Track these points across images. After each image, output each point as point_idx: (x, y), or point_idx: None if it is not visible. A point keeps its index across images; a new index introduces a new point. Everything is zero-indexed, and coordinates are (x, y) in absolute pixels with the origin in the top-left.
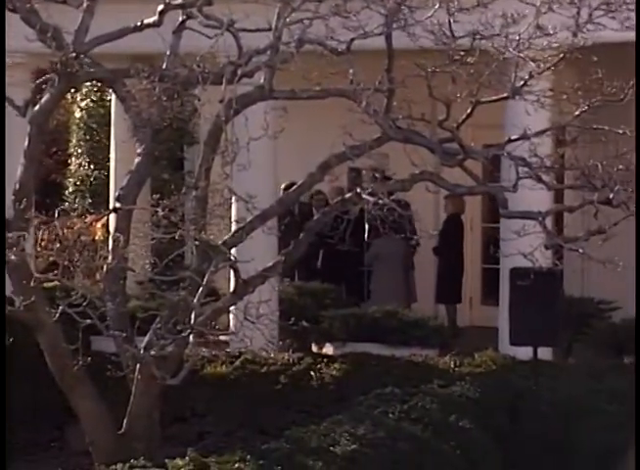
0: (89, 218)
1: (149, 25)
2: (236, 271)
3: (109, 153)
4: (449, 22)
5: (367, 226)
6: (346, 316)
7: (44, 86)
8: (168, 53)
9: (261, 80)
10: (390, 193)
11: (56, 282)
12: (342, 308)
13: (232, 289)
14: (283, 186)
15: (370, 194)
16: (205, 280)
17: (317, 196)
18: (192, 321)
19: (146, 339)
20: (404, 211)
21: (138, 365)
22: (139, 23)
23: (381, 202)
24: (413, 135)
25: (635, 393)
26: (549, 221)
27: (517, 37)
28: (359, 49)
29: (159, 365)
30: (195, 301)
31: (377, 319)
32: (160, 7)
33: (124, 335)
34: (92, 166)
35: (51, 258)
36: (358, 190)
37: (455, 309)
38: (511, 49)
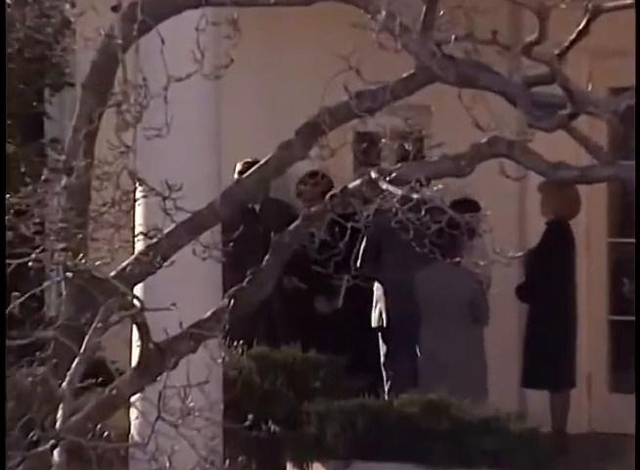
0: None
1: None
2: (142, 328)
3: None
4: None
5: (389, 243)
6: (352, 412)
7: None
8: None
9: None
10: (429, 180)
11: None
12: (343, 397)
13: (135, 362)
14: (238, 167)
15: (394, 181)
16: (83, 345)
17: (310, 181)
18: (58, 423)
19: None
20: (464, 213)
21: None
22: None
23: (416, 197)
24: (476, 71)
25: (635, 393)
26: None
27: None
28: None
29: None
30: (64, 385)
31: (410, 418)
32: None
33: None
34: None
35: None
36: (373, 174)
37: (563, 401)
38: None
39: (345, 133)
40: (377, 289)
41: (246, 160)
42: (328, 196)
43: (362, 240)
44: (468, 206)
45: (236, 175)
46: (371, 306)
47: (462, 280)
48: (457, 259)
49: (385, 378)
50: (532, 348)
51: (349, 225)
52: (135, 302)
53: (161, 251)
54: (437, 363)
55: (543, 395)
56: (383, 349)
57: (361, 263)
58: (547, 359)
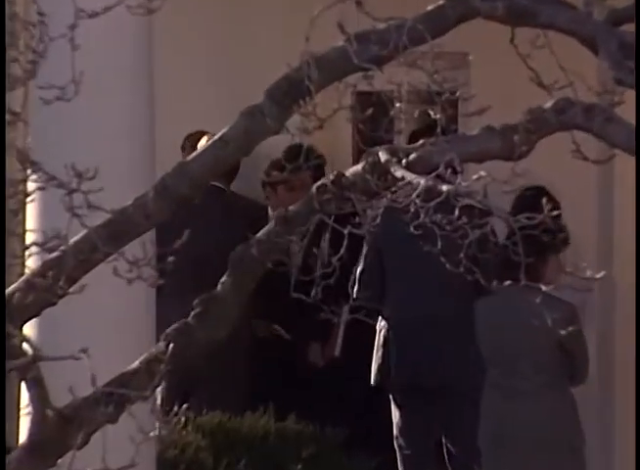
0: None
1: None
2: (36, 387)
3: None
4: None
5: (407, 257)
6: None
7: None
8: None
9: None
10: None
11: None
12: None
13: (26, 437)
14: (182, 144)
15: (413, 166)
16: None
17: (288, 164)
18: None
19: None
20: (539, 209)
21: None
22: None
23: (446, 189)
24: (536, 2)
25: (635, 393)
26: None
27: None
28: None
29: None
30: None
31: None
32: None
33: None
34: None
35: None
36: (381, 155)
37: None
38: None
39: (341, 94)
40: (390, 326)
41: (192, 132)
42: (315, 187)
43: (366, 253)
44: (545, 199)
45: (184, 154)
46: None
47: (547, 313)
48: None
49: (399, 460)
50: None
51: (347, 232)
52: (25, 347)
53: (66, 270)
54: (508, 443)
55: None
56: (395, 416)
57: (365, 288)
58: None
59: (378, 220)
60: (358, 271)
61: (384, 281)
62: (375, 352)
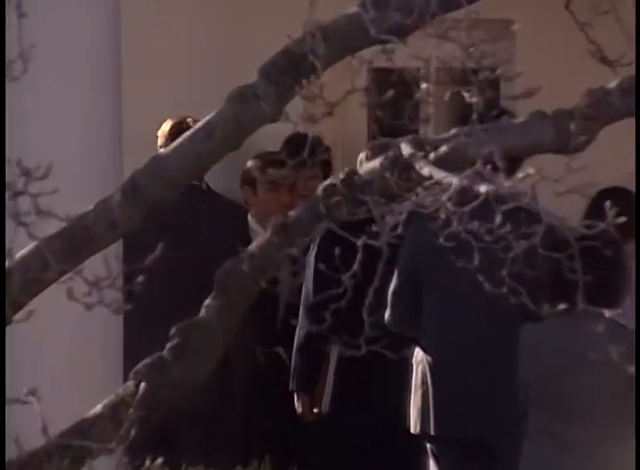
0: None
1: None
2: None
3: None
4: None
5: (437, 276)
6: None
7: None
8: None
9: None
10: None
11: None
12: None
13: None
14: (160, 134)
15: (444, 161)
16: None
17: (288, 159)
18: None
19: None
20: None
21: None
22: None
23: (484, 190)
24: None
25: (635, 393)
26: None
27: None
28: None
29: None
30: None
31: None
32: None
33: None
34: None
35: None
36: (404, 147)
37: None
38: None
39: (354, 73)
40: (418, 362)
41: (172, 120)
42: (321, 188)
43: (400, 269)
44: (623, 201)
45: (156, 149)
46: (403, 393)
47: (611, 345)
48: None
49: None
50: None
51: (360, 244)
52: None
53: (10, 292)
54: None
55: None
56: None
57: (400, 313)
58: None
59: (401, 229)
60: (391, 291)
61: (421, 304)
62: (413, 391)
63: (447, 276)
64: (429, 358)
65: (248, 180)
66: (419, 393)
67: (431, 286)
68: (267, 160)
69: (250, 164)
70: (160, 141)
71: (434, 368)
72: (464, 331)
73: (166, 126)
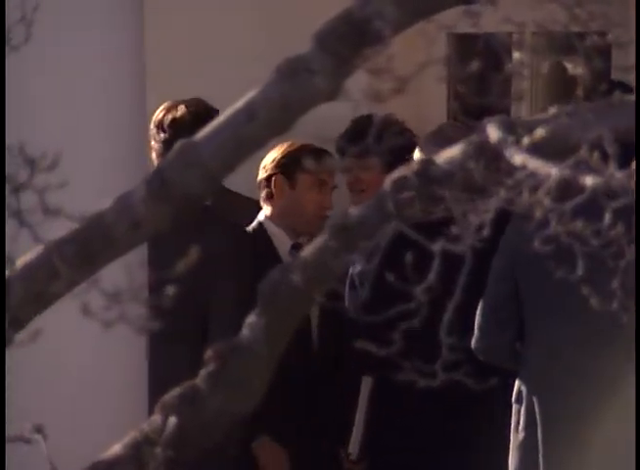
0: None
1: None
2: None
3: None
4: None
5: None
6: None
7: None
8: None
9: None
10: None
11: None
12: None
13: None
14: (176, 114)
15: (542, 148)
16: None
17: (354, 145)
18: None
19: None
20: None
21: None
22: None
23: (591, 183)
24: None
25: (635, 393)
26: None
27: None
28: None
29: None
30: None
31: None
32: None
33: None
34: None
35: None
36: (491, 129)
37: None
38: None
39: (431, 41)
40: (534, 405)
41: (175, 104)
42: (390, 181)
43: (496, 278)
44: None
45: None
46: (502, 435)
47: None
48: None
49: None
50: None
51: (437, 249)
52: None
53: (11, 308)
54: None
55: None
56: None
57: (494, 334)
58: None
59: (489, 232)
60: (481, 309)
61: (521, 326)
62: (511, 452)
63: (555, 291)
64: (533, 397)
65: (286, 169)
66: (518, 454)
67: (535, 304)
68: (313, 149)
69: (292, 148)
70: (162, 135)
71: (543, 412)
72: (579, 365)
73: (176, 112)
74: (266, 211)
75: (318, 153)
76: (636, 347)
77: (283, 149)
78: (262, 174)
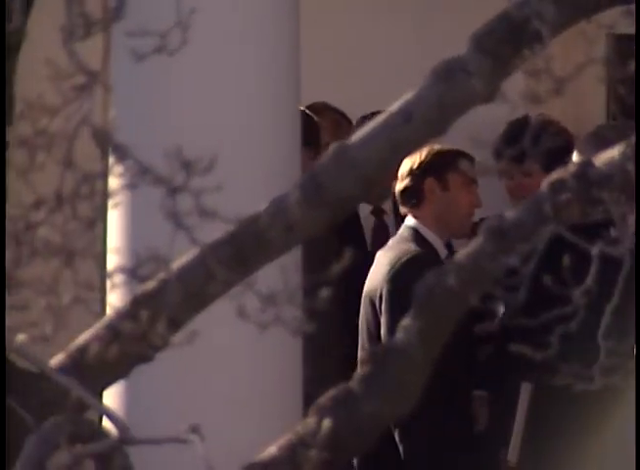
0: None
1: None
2: None
3: None
4: None
5: None
6: None
7: None
8: None
9: None
10: None
11: None
12: None
13: None
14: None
15: None
16: None
17: (509, 148)
18: None
19: None
20: None
21: None
22: None
23: None
24: None
25: (636, 391)
26: None
27: None
28: None
29: None
30: None
31: None
32: None
33: None
34: None
35: None
36: None
37: None
38: None
39: (590, 41)
40: None
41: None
42: (547, 183)
43: (626, 284)
44: None
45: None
46: None
47: None
48: None
49: None
50: None
51: (595, 252)
52: (107, 422)
53: (168, 309)
54: None
55: None
56: None
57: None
58: None
59: None
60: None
61: None
62: None
63: None
64: None
65: (436, 172)
66: None
67: None
68: (456, 150)
69: (435, 152)
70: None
71: None
72: None
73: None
74: (415, 217)
75: (464, 154)
76: (636, 347)
77: (423, 154)
78: (406, 182)
